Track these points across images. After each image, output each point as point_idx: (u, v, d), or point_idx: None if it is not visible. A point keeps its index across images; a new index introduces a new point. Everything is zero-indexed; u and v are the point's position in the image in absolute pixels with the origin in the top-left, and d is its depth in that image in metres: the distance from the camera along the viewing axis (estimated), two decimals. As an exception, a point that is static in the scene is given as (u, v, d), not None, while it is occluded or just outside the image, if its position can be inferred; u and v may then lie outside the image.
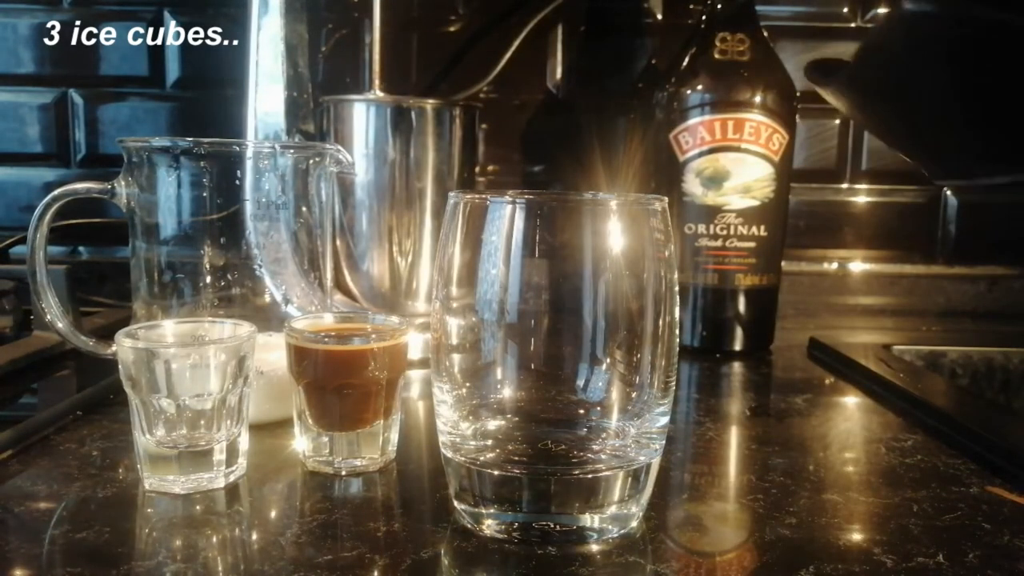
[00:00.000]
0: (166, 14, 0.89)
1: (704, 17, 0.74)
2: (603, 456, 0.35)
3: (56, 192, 0.50)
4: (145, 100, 0.91)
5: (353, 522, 0.37)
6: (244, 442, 0.42)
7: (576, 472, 0.34)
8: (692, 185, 0.72)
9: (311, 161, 0.54)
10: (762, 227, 0.72)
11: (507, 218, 0.34)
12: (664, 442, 0.37)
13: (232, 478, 0.41)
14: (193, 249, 0.51)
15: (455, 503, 0.37)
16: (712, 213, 0.72)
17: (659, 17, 0.90)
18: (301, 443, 0.44)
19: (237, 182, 0.51)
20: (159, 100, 0.91)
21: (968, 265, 0.96)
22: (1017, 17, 0.32)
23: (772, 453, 0.47)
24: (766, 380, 0.68)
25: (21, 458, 0.44)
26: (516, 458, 0.35)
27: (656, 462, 0.37)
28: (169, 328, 0.44)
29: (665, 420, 0.37)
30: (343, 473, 0.43)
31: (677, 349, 0.36)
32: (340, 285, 0.71)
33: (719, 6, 0.73)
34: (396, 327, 0.44)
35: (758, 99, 0.70)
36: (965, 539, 0.36)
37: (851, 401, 0.60)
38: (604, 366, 0.35)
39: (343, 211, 0.69)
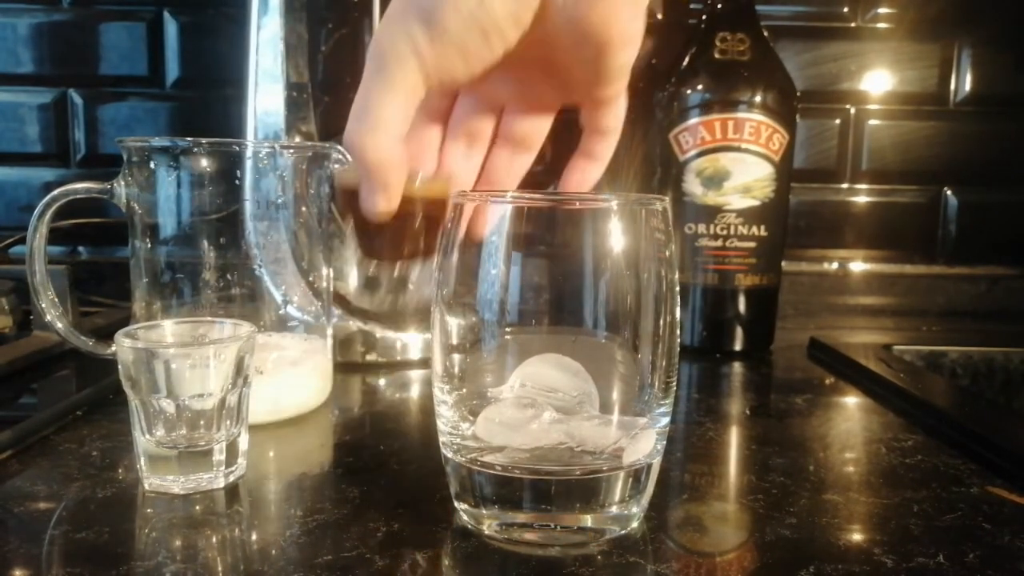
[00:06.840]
0: (166, 14, 0.89)
1: (704, 17, 0.74)
2: (604, 456, 0.35)
3: (56, 192, 0.50)
4: (145, 100, 0.91)
5: (353, 522, 0.37)
6: (244, 442, 0.42)
7: (577, 472, 0.34)
8: (692, 185, 0.72)
9: (311, 161, 0.54)
10: (762, 227, 0.72)
11: (507, 218, 0.34)
12: (665, 442, 0.37)
13: (232, 478, 0.41)
14: (193, 249, 0.51)
15: (455, 503, 0.37)
16: (712, 213, 0.72)
17: (659, 17, 0.90)
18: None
19: (237, 182, 0.51)
20: (159, 100, 0.91)
21: (968, 265, 0.96)
22: None
23: (772, 453, 0.47)
24: (766, 380, 0.68)
25: (21, 458, 0.44)
26: (516, 458, 0.35)
27: (657, 462, 0.37)
28: (169, 328, 0.44)
29: (666, 420, 0.36)
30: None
31: (678, 349, 0.36)
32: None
33: (719, 6, 0.73)
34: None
35: (758, 99, 0.70)
36: (965, 539, 0.36)
37: (851, 401, 0.60)
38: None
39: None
